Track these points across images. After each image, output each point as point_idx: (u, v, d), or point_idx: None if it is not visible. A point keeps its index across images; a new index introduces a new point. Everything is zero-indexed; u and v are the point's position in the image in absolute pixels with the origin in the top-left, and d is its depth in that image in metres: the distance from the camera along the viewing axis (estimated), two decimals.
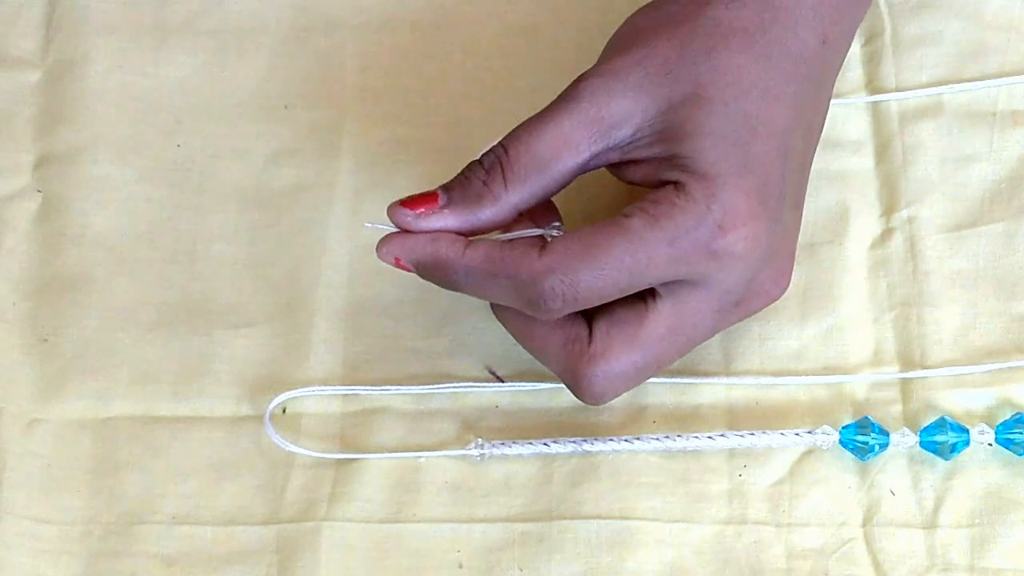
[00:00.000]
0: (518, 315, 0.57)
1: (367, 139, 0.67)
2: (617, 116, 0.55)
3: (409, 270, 0.57)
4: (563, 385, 0.60)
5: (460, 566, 0.59)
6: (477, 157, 0.56)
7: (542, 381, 0.61)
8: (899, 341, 0.62)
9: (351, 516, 0.60)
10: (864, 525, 0.59)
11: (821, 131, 0.59)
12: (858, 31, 0.67)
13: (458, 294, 0.63)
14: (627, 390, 0.57)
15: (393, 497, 0.60)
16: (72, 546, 0.60)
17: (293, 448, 0.60)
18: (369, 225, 0.57)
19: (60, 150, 0.67)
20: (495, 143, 0.56)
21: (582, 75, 0.56)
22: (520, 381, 0.62)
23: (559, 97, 0.56)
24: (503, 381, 0.62)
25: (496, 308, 0.58)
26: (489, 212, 0.55)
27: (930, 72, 0.66)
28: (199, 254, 0.65)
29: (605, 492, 0.59)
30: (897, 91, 0.66)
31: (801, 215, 0.58)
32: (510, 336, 0.60)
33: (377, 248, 0.56)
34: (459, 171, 0.56)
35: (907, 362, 0.61)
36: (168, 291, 0.64)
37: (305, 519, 0.60)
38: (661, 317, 0.55)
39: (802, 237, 0.60)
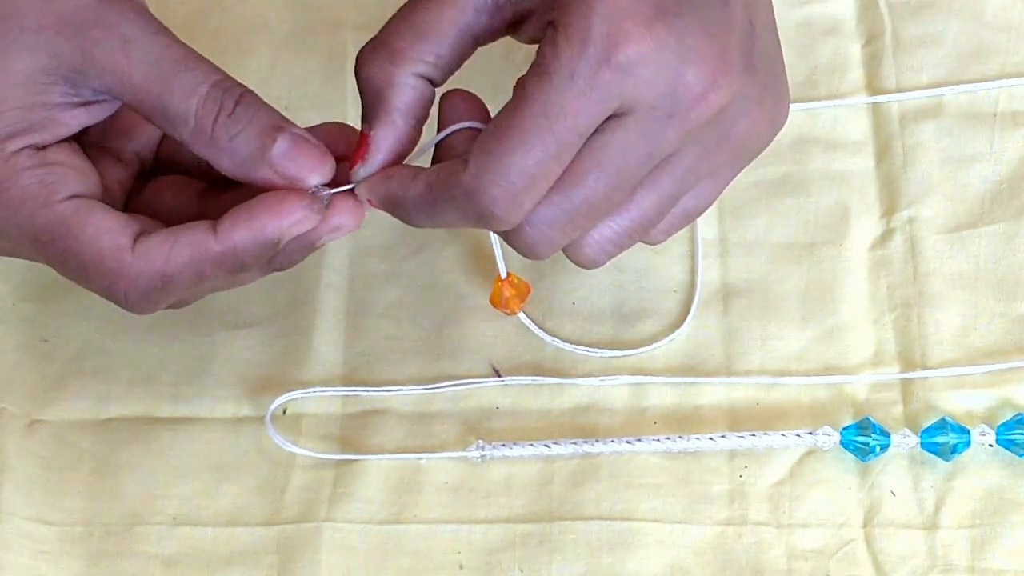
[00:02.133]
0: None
1: None
2: None
3: (378, 208, 0.54)
4: (563, 384, 0.60)
5: (461, 567, 0.59)
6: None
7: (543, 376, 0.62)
8: (900, 342, 0.62)
9: (352, 517, 0.60)
10: (865, 526, 0.59)
11: None
12: (858, 31, 0.67)
13: (458, 294, 0.64)
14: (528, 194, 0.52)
15: (394, 498, 0.60)
16: (72, 547, 0.60)
17: (294, 449, 0.60)
18: (324, 193, 0.54)
19: None
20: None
21: None
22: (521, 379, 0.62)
23: None
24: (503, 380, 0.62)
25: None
26: (397, 98, 0.52)
27: (930, 73, 0.66)
28: None
29: (606, 493, 0.59)
30: (898, 92, 0.66)
31: (740, 16, 0.51)
32: (510, 336, 0.60)
33: (356, 192, 0.54)
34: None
35: (908, 363, 0.61)
36: None
37: (305, 520, 0.60)
38: (593, 154, 0.51)
39: (802, 237, 0.61)
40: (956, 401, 0.60)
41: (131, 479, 0.61)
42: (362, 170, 0.53)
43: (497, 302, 0.61)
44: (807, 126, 0.66)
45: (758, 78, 0.52)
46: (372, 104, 0.53)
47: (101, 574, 0.60)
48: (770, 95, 0.53)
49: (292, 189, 0.52)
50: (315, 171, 0.53)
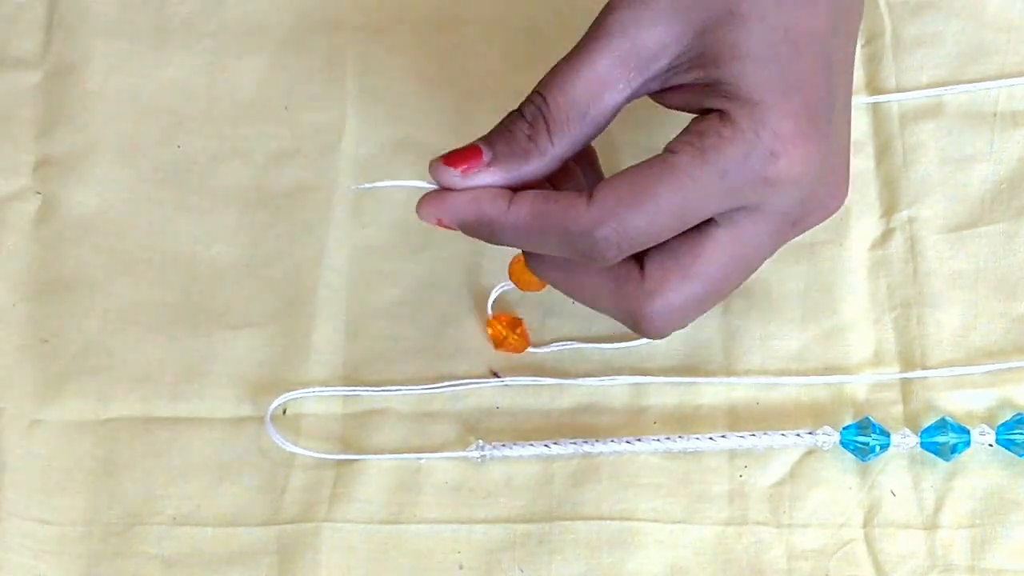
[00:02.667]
0: (561, 268, 0.55)
1: (367, 139, 0.67)
2: (652, 46, 0.52)
3: (452, 229, 0.55)
4: (563, 384, 0.60)
5: (461, 567, 0.59)
6: (516, 108, 0.54)
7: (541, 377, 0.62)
8: (900, 342, 0.62)
9: (351, 517, 0.60)
10: (865, 526, 0.59)
11: (859, 26, 0.56)
12: (858, 32, 0.67)
13: (458, 294, 0.64)
14: (691, 321, 0.56)
15: (394, 498, 0.60)
16: (72, 547, 0.60)
17: (294, 449, 0.60)
18: (354, 188, 0.55)
19: (60, 151, 0.67)
20: (532, 93, 0.54)
21: (607, 6, 0.53)
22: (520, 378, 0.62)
23: (588, 35, 0.53)
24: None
25: (534, 263, 0.56)
26: (535, 166, 0.53)
27: (930, 73, 0.66)
28: (199, 255, 0.65)
29: (606, 493, 0.59)
30: (897, 92, 0.66)
31: (850, 118, 0.55)
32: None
33: (418, 208, 0.54)
34: (499, 123, 0.54)
35: (908, 363, 0.61)
36: (168, 292, 0.64)
37: (305, 520, 0.60)
38: (718, 246, 0.53)
39: (802, 237, 0.60)
40: (956, 401, 0.60)
41: (131, 479, 0.61)
42: (455, 178, 0.54)
43: (501, 345, 0.62)
44: None
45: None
46: (512, 156, 0.53)
47: (101, 574, 0.60)
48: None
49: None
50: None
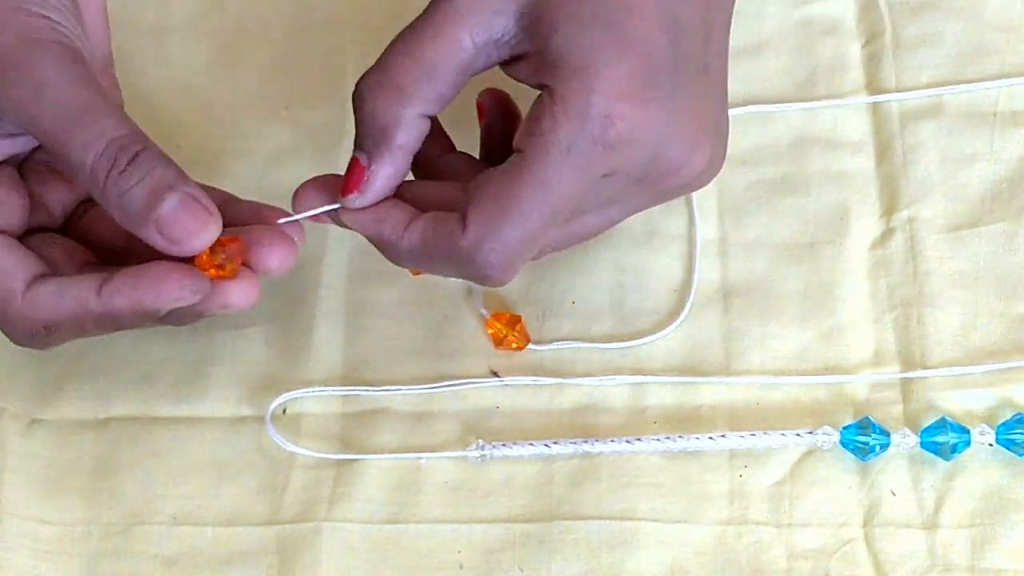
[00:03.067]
0: (411, 258, 0.55)
1: None
2: (494, 4, 0.53)
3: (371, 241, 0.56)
4: (563, 383, 0.60)
5: (461, 567, 0.59)
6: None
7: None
8: (900, 341, 0.62)
9: (351, 517, 0.60)
10: (865, 525, 0.59)
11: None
12: (858, 31, 0.67)
13: (457, 294, 0.64)
14: (523, 260, 0.54)
15: (394, 498, 0.60)
16: (72, 547, 0.60)
17: (294, 448, 0.60)
18: (283, 222, 0.56)
19: None
20: (369, 69, 0.54)
21: None
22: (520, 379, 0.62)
23: (430, 2, 0.54)
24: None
25: (390, 258, 0.56)
26: (403, 136, 0.54)
27: (930, 73, 0.66)
28: None
29: (606, 493, 0.59)
30: (897, 92, 0.66)
31: (718, 83, 0.55)
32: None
33: (341, 216, 0.55)
34: (354, 119, 0.54)
35: (908, 362, 0.61)
36: None
37: (305, 520, 0.60)
38: (530, 188, 0.53)
39: (803, 237, 0.61)
40: (956, 400, 0.60)
41: (131, 479, 0.61)
42: (356, 200, 0.54)
43: (501, 343, 0.62)
44: (807, 126, 0.66)
45: (721, 135, 0.56)
46: (376, 139, 0.54)
47: (101, 574, 0.60)
48: (722, 147, 0.56)
49: (177, 264, 0.54)
50: (196, 234, 0.54)
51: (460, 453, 0.60)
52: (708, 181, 0.56)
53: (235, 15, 0.69)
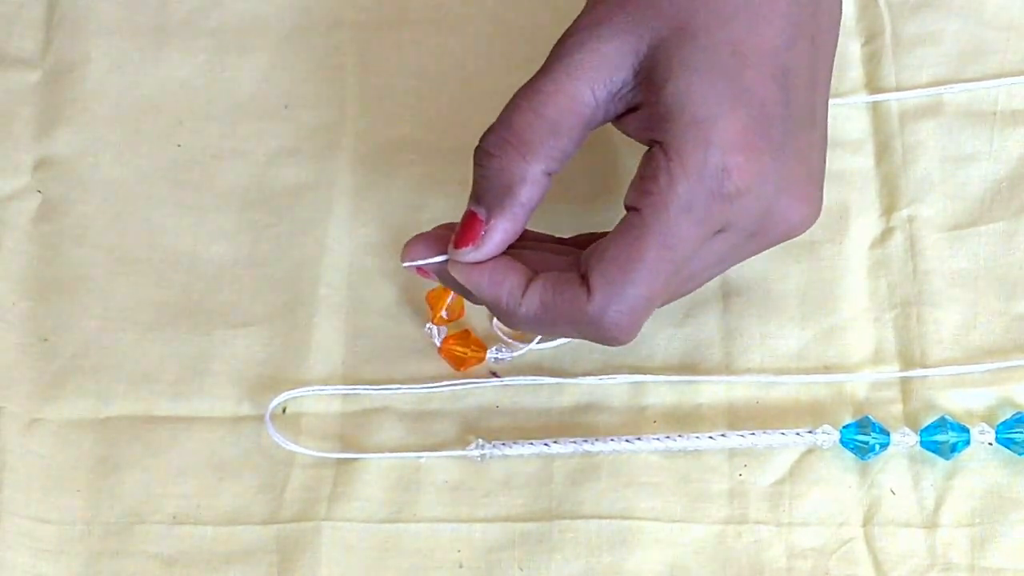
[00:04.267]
0: (530, 323, 0.55)
1: (367, 139, 0.67)
2: (613, 58, 0.53)
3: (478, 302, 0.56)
4: (561, 382, 0.60)
5: (460, 566, 0.59)
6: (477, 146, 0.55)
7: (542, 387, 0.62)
8: (899, 340, 0.62)
9: (351, 516, 0.60)
10: (864, 524, 0.59)
11: (834, 38, 0.56)
12: (858, 30, 0.67)
13: (458, 295, 0.64)
14: (644, 320, 0.55)
15: (393, 497, 0.60)
16: (72, 546, 0.60)
17: (294, 448, 0.60)
18: (407, 264, 0.56)
19: (60, 150, 0.67)
20: (494, 123, 0.54)
21: (566, 32, 0.54)
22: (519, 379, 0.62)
23: (549, 58, 0.54)
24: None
25: (504, 322, 0.56)
26: (527, 193, 0.54)
27: (930, 72, 0.66)
28: (199, 254, 0.65)
29: (605, 492, 0.59)
30: (897, 91, 0.66)
31: (822, 132, 0.55)
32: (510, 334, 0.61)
33: (450, 269, 0.55)
34: (473, 173, 0.55)
35: (907, 361, 0.61)
36: (168, 291, 0.64)
37: (305, 519, 0.60)
38: (652, 249, 0.53)
39: (802, 236, 0.60)
40: (956, 400, 0.60)
41: (131, 478, 0.61)
42: (470, 254, 0.54)
43: (462, 365, 0.62)
44: None
45: (822, 183, 0.56)
46: (498, 194, 0.54)
47: (101, 573, 0.60)
48: (822, 194, 0.56)
49: None
50: None
51: (460, 452, 0.60)
52: (806, 230, 0.56)
53: (235, 14, 0.69)
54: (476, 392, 0.62)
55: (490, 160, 0.54)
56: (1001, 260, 0.62)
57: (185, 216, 0.66)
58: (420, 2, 0.69)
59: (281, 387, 0.62)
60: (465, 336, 0.62)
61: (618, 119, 0.55)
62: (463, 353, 0.62)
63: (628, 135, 0.55)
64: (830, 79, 0.56)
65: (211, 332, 0.63)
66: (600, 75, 0.53)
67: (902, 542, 0.58)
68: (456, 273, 0.55)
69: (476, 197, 0.54)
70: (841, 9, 0.57)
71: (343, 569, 0.59)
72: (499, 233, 0.54)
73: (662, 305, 0.56)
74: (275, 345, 0.63)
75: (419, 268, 0.56)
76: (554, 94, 0.53)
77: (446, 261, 0.55)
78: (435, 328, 0.62)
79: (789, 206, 0.54)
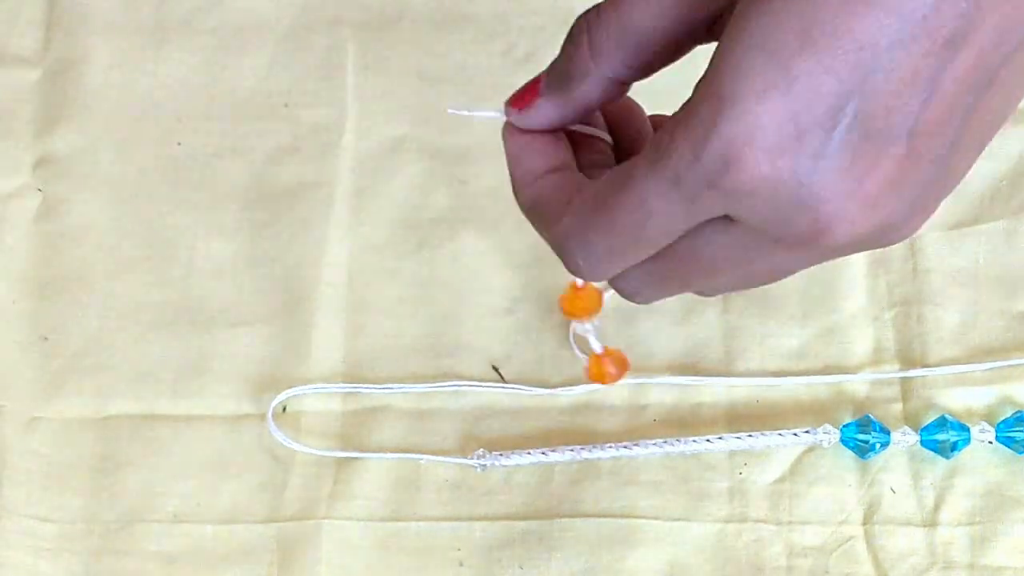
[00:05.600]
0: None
1: (367, 139, 0.67)
2: None
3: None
4: (559, 389, 0.61)
5: (461, 564, 0.59)
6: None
7: (543, 386, 0.62)
8: (899, 339, 0.62)
9: (352, 514, 0.60)
10: (865, 523, 0.59)
11: (1010, 39, 0.42)
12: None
13: (458, 292, 0.64)
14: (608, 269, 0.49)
15: (394, 495, 0.60)
16: (72, 544, 0.60)
17: (295, 446, 0.60)
18: (452, 111, 0.52)
19: (60, 149, 0.67)
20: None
21: None
22: (521, 382, 0.62)
23: None
24: (505, 380, 0.62)
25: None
26: (581, 90, 0.48)
27: None
28: (199, 252, 0.65)
29: (606, 490, 0.59)
30: None
31: (927, 147, 0.43)
32: (510, 334, 0.61)
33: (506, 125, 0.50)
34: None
35: (907, 360, 0.61)
36: (168, 289, 0.64)
37: (306, 517, 0.60)
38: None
39: None
40: (956, 398, 0.60)
41: (131, 476, 0.61)
42: (515, 116, 0.49)
43: (596, 376, 0.58)
44: None
45: (918, 205, 0.45)
46: (559, 77, 0.49)
47: (101, 571, 0.60)
48: (914, 214, 0.46)
49: None
50: None
51: (461, 460, 0.60)
52: (894, 242, 0.47)
53: (235, 13, 0.69)
54: (476, 390, 0.62)
55: (569, 39, 0.48)
56: (1001, 258, 0.62)
57: (185, 214, 0.66)
58: (420, 2, 0.69)
59: (281, 386, 0.62)
60: (622, 364, 0.58)
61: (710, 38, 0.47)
62: (610, 371, 0.58)
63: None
64: (997, 106, 0.44)
65: (211, 330, 0.63)
66: None
67: (902, 541, 0.58)
68: (505, 129, 0.50)
69: (550, 66, 0.49)
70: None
71: (343, 568, 0.59)
72: (543, 111, 0.49)
73: (665, 294, 0.50)
74: (275, 344, 0.63)
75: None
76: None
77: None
78: (588, 328, 0.57)
79: (822, 220, 0.44)
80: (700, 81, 0.44)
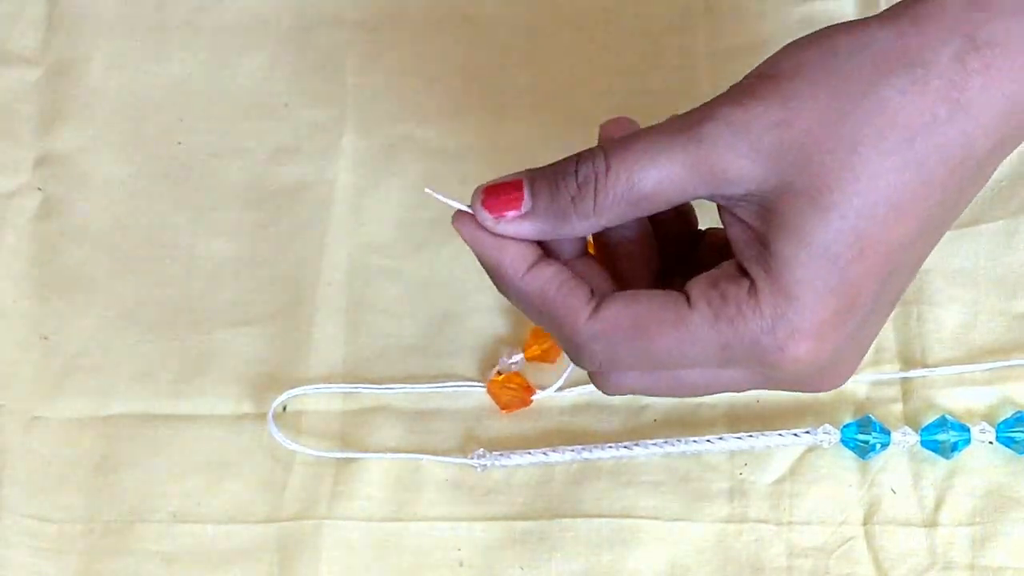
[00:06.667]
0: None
1: (367, 138, 0.67)
2: (733, 175, 0.47)
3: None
4: (558, 393, 0.61)
5: (461, 564, 0.59)
6: (576, 155, 0.50)
7: (542, 386, 0.62)
8: (900, 340, 0.62)
9: (352, 514, 0.60)
10: (865, 523, 0.59)
11: (944, 230, 0.50)
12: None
13: (458, 292, 0.64)
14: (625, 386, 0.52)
15: (394, 495, 0.60)
16: (72, 544, 0.60)
17: (295, 446, 0.60)
18: (429, 191, 0.51)
19: (60, 148, 0.67)
20: (597, 150, 0.49)
21: (712, 108, 0.48)
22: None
23: (681, 124, 0.48)
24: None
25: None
26: (570, 230, 0.50)
27: None
28: (199, 252, 0.65)
29: (606, 490, 0.59)
30: None
31: (888, 314, 0.51)
32: (510, 334, 0.61)
33: (453, 220, 0.50)
34: (553, 165, 0.50)
35: (908, 361, 0.61)
36: (168, 289, 0.64)
37: (306, 517, 0.60)
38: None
39: None
40: (956, 398, 0.60)
41: (131, 476, 0.61)
42: (489, 223, 0.50)
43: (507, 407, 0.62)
44: None
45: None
46: (555, 212, 0.50)
47: (101, 571, 0.60)
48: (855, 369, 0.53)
49: None
50: None
51: (461, 460, 0.60)
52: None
53: (235, 13, 0.69)
54: (476, 390, 0.62)
55: (572, 179, 0.49)
56: (1001, 259, 0.62)
57: (185, 214, 0.66)
58: (420, 2, 0.69)
59: (281, 386, 0.62)
60: (512, 380, 0.61)
61: (723, 209, 0.50)
62: (508, 398, 0.61)
63: (724, 224, 0.50)
64: (917, 270, 0.51)
65: (211, 331, 0.63)
66: (713, 181, 0.48)
67: (902, 541, 0.58)
68: (461, 225, 0.50)
69: (534, 189, 0.50)
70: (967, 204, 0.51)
71: (343, 567, 0.59)
72: (524, 229, 0.50)
73: (637, 394, 0.53)
74: (275, 344, 0.63)
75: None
76: (661, 173, 0.48)
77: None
78: (514, 360, 0.61)
79: (823, 384, 0.51)
80: (756, 247, 0.48)
